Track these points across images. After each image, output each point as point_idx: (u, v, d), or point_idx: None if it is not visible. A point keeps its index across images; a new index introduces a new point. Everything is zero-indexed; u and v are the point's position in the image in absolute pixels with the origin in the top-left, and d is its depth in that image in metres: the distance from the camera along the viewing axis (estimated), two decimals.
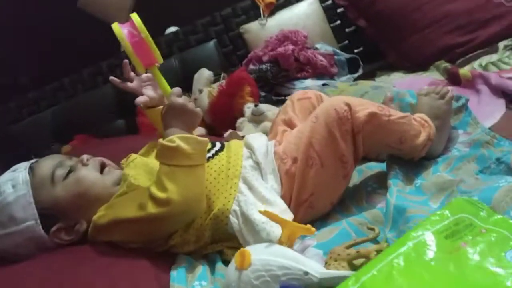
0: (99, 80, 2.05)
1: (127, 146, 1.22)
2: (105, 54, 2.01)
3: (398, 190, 0.76)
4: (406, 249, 0.49)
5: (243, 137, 1.36)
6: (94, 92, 2.02)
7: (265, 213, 0.64)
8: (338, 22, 2.00)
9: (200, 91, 1.70)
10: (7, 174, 0.83)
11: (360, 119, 0.79)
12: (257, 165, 0.85)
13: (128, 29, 0.71)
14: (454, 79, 1.27)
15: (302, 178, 0.81)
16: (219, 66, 1.98)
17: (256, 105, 1.48)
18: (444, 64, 1.38)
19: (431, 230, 0.51)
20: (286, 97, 1.64)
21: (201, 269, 0.74)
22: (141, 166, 0.86)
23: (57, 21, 2.02)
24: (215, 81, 1.90)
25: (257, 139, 0.91)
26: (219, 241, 0.81)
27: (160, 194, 0.71)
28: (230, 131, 1.46)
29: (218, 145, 0.90)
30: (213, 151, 0.87)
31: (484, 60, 1.35)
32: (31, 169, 0.82)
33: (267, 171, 0.84)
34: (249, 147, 0.90)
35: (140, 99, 0.90)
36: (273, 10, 1.97)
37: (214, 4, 2.04)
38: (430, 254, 0.48)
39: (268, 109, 1.52)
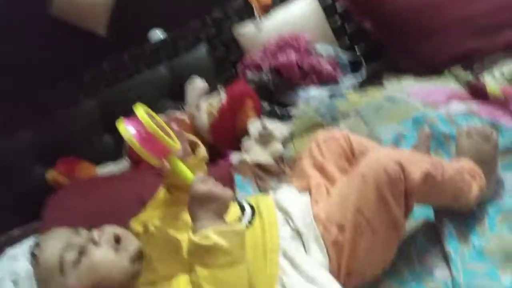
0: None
1: (129, 191, 1.11)
2: None
3: (461, 261, 0.68)
4: None
5: (255, 166, 1.27)
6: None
7: None
8: (339, 21, 1.86)
9: (198, 107, 1.56)
10: (5, 263, 0.70)
11: (415, 181, 0.70)
12: (297, 234, 0.75)
13: (134, 127, 0.65)
14: (478, 94, 1.19)
15: (352, 249, 0.72)
16: (212, 73, 1.84)
17: (264, 127, 1.37)
18: (464, 75, 1.29)
19: None
20: (291, 111, 1.54)
21: None
22: (162, 243, 0.75)
23: None
24: (210, 91, 1.76)
25: (290, 199, 0.81)
26: None
27: None
28: (238, 156, 1.34)
29: (248, 210, 0.79)
30: (245, 221, 0.77)
31: (505, 67, 1.27)
32: (34, 256, 0.70)
33: (309, 239, 0.74)
34: (282, 209, 0.79)
35: None
36: (268, 9, 1.82)
37: (203, 4, 1.86)
38: None
39: (275, 127, 1.41)
